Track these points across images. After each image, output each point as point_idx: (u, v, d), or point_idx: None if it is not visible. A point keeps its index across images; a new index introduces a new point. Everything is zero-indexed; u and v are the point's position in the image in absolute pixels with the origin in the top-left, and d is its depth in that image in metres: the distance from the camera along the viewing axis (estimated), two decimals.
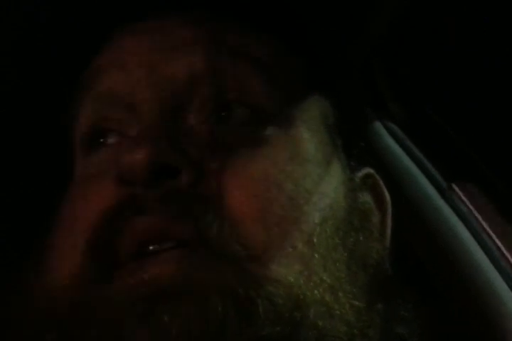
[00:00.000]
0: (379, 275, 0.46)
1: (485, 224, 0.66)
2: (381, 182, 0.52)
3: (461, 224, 0.67)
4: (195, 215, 0.41)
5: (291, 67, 0.49)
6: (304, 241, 0.41)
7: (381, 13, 0.53)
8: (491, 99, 0.63)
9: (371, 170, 0.52)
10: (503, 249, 0.63)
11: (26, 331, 0.42)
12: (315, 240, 0.42)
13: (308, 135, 0.47)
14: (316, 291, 0.40)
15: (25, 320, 0.42)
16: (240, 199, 0.41)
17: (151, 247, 0.40)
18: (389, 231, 0.50)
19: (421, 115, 0.70)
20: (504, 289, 0.59)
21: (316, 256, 0.42)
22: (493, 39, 0.57)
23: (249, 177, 0.42)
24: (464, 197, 0.69)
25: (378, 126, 0.69)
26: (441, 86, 0.61)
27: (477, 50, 0.57)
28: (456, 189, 0.69)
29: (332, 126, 0.50)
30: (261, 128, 0.45)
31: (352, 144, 0.50)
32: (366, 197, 0.50)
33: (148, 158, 0.40)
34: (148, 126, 0.44)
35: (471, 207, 0.68)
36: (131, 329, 0.37)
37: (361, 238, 0.46)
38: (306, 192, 0.43)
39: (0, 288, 0.46)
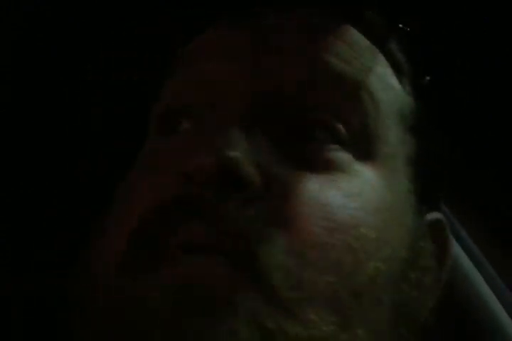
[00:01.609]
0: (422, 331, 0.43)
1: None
2: (448, 230, 0.47)
3: (462, 251, 0.67)
4: (250, 235, 0.37)
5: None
6: (351, 291, 0.38)
7: None
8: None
9: (440, 216, 0.47)
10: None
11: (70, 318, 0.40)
12: (363, 293, 0.39)
13: (386, 173, 0.43)
14: None
15: (69, 309, 0.40)
16: (302, 237, 0.38)
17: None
18: (441, 286, 0.45)
19: None
20: (490, 295, 0.61)
21: (359, 309, 0.38)
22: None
23: (317, 209, 0.39)
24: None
25: None
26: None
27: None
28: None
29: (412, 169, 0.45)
30: (340, 156, 0.41)
31: (426, 186, 0.45)
32: (429, 247, 0.45)
33: (223, 165, 0.37)
34: (229, 126, 0.40)
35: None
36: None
37: (415, 294, 0.42)
38: (369, 237, 0.39)
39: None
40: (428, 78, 0.49)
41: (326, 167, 0.41)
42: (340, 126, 0.42)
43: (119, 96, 0.50)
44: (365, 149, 0.42)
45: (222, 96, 0.42)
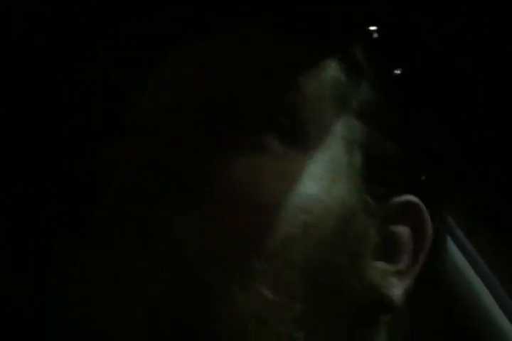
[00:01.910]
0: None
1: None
2: (425, 213, 0.47)
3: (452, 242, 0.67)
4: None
5: None
6: (259, 255, 0.40)
7: None
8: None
9: (412, 198, 0.47)
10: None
11: None
12: (274, 257, 0.41)
13: (318, 155, 0.45)
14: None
15: None
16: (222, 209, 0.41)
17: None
18: (417, 269, 0.45)
19: None
20: (485, 292, 0.61)
21: (267, 271, 0.40)
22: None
23: (236, 187, 0.42)
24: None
25: None
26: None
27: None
28: None
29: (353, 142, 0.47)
30: (266, 140, 0.44)
31: (382, 170, 0.47)
32: (397, 229, 0.46)
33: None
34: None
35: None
36: None
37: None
38: (293, 208, 0.42)
39: None
40: (394, 73, 0.51)
41: (254, 150, 0.43)
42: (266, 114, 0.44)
43: (119, 96, 0.50)
44: (292, 133, 0.44)
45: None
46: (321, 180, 0.44)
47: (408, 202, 0.47)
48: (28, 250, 0.49)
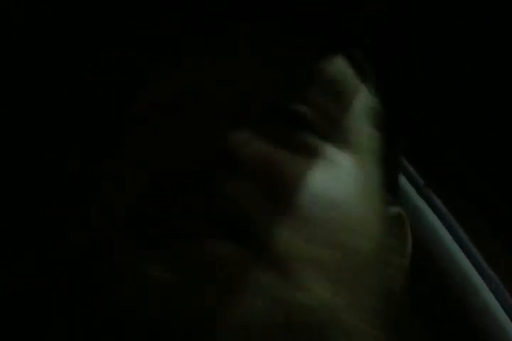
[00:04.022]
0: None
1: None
2: (408, 226, 0.50)
3: (438, 220, 0.69)
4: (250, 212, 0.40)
5: None
6: (341, 265, 0.41)
7: None
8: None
9: (400, 210, 0.50)
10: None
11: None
12: (351, 266, 0.41)
13: (361, 163, 0.46)
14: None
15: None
16: (298, 213, 0.40)
17: None
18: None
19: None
20: (477, 277, 0.62)
21: (349, 279, 0.41)
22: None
23: (309, 189, 0.42)
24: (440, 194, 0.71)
25: None
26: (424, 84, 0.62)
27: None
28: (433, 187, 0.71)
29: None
30: (322, 145, 0.45)
31: (390, 177, 0.49)
32: (393, 237, 0.47)
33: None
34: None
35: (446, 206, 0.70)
36: None
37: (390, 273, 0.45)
38: (353, 217, 0.43)
39: None
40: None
41: (310, 154, 0.44)
42: (321, 118, 0.45)
43: (119, 96, 0.50)
44: (341, 139, 0.45)
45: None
46: (369, 194, 0.45)
47: (399, 214, 0.50)
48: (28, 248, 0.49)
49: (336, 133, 0.45)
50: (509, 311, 0.61)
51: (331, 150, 0.44)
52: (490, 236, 0.64)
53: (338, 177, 0.44)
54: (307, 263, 0.39)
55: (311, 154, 0.44)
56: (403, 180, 0.70)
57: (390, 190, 0.49)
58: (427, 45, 0.54)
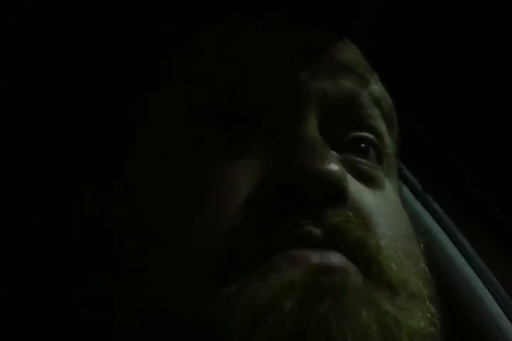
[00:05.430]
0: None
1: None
2: None
3: (436, 224, 0.69)
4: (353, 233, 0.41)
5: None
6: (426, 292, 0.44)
7: None
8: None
9: None
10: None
11: None
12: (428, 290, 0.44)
13: (395, 188, 0.49)
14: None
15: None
16: (384, 238, 0.42)
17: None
18: None
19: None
20: (474, 277, 0.62)
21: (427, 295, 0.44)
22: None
23: (384, 218, 0.43)
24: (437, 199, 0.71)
25: None
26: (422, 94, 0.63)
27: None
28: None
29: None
30: (381, 175, 0.46)
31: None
32: None
33: (341, 176, 0.40)
34: (309, 134, 0.42)
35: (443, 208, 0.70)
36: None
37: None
38: (409, 235, 0.45)
39: None
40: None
41: (374, 183, 0.45)
42: (382, 146, 0.46)
43: (118, 96, 0.50)
44: (388, 168, 0.47)
45: (285, 101, 0.42)
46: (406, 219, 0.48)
47: None
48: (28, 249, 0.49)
49: (386, 162, 0.47)
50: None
51: (384, 180, 0.46)
52: (487, 237, 0.65)
53: (396, 208, 0.46)
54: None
55: (377, 185, 0.45)
56: (400, 185, 0.70)
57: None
58: (427, 44, 0.54)
